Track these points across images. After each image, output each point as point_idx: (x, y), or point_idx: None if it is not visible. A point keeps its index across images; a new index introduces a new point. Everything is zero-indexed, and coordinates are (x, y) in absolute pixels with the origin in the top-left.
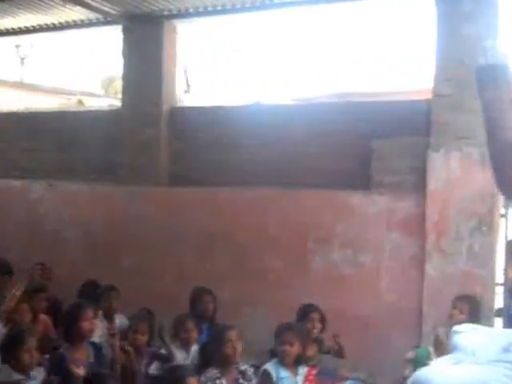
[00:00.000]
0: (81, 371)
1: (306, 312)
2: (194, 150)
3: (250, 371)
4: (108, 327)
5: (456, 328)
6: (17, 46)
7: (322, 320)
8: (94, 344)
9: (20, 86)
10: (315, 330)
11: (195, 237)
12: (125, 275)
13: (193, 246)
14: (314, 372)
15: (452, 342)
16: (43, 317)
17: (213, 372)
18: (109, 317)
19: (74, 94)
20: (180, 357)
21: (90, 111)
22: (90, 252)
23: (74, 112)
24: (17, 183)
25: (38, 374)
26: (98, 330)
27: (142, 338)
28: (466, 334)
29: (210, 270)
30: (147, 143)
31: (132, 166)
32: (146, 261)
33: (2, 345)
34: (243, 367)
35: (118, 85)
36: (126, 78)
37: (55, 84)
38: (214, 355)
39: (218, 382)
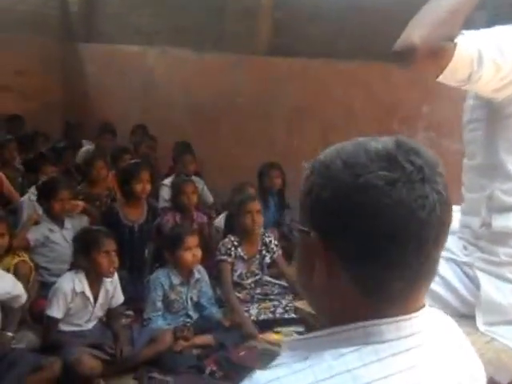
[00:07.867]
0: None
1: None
2: (295, 20)
3: (274, 243)
4: None
5: None
6: None
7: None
8: (150, 205)
9: None
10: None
11: (286, 109)
12: (222, 141)
13: (283, 119)
14: None
15: None
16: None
17: (230, 239)
18: None
19: None
20: None
21: None
22: (193, 119)
23: None
24: (134, 48)
25: (71, 223)
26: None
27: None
28: None
29: (298, 145)
30: (249, 11)
31: (234, 35)
32: (241, 130)
33: (39, 194)
34: (268, 239)
35: None
36: None
37: None
38: (234, 225)
39: (233, 249)
